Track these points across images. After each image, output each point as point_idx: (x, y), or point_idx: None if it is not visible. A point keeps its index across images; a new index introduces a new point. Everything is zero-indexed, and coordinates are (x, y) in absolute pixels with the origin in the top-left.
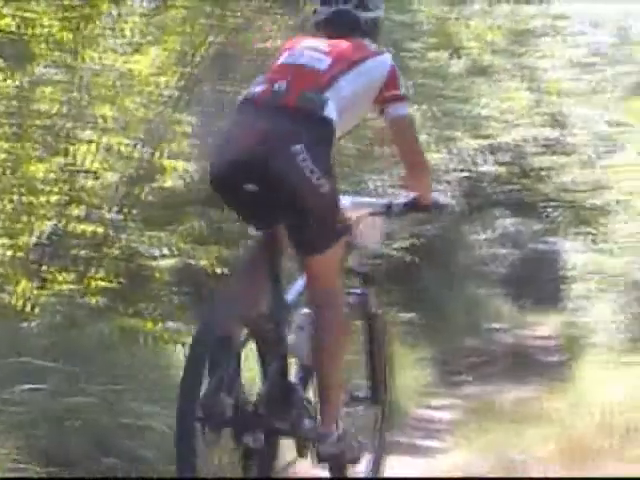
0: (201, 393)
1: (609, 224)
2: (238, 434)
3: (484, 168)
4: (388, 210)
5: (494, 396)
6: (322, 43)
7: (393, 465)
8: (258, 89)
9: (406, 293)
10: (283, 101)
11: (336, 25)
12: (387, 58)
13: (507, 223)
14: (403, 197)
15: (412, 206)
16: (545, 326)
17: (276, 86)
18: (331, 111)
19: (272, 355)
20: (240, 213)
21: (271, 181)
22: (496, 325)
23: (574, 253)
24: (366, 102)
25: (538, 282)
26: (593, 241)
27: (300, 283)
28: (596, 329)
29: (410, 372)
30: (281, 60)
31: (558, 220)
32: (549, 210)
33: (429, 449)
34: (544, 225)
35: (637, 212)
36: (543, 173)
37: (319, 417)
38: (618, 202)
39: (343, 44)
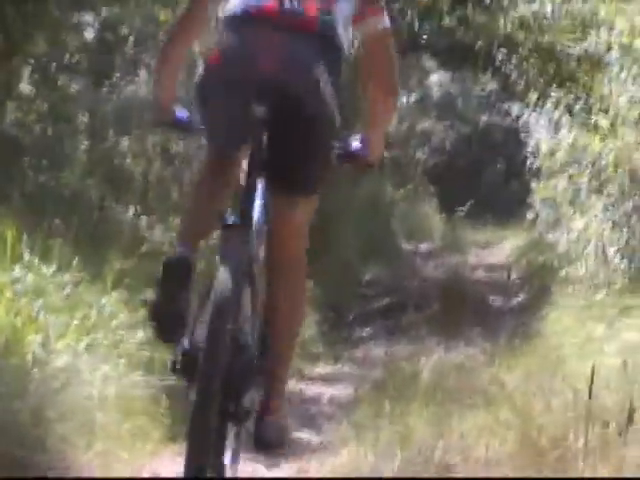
0: None
1: (604, 82)
2: None
3: None
4: None
5: (412, 362)
6: None
7: (251, 470)
8: (263, 2)
9: None
10: (302, 23)
11: None
12: None
13: (441, 79)
14: (342, 144)
15: (348, 159)
16: (498, 249)
17: (287, 3)
18: (342, 37)
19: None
20: (222, 129)
21: (289, 107)
22: (420, 247)
23: (547, 129)
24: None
25: (488, 177)
26: (578, 109)
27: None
28: (578, 254)
29: None
30: None
31: (522, 75)
32: (506, 59)
33: (306, 445)
34: (499, 83)
35: None
36: None
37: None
38: (615, 47)
39: None
